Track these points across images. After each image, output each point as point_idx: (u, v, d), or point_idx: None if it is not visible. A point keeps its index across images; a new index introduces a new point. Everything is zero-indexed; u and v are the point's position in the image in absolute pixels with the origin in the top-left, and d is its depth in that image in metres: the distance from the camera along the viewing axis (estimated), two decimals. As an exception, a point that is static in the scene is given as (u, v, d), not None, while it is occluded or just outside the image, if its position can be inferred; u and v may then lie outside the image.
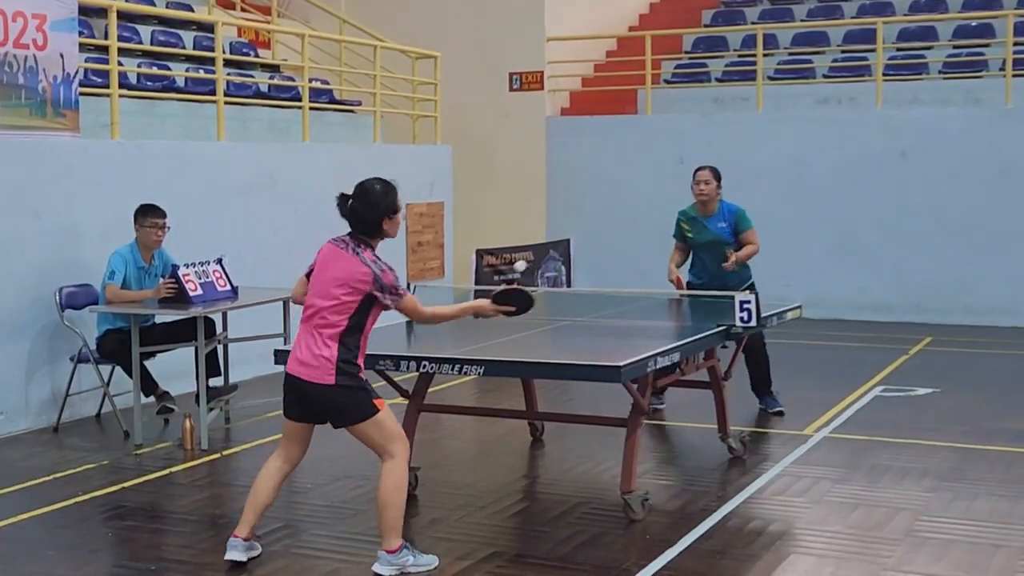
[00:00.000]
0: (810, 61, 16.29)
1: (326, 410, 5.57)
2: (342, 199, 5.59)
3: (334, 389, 5.45)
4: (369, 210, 5.51)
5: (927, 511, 6.57)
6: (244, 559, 5.71)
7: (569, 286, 14.66)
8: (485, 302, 5.88)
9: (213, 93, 11.19)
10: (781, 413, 9.06)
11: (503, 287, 5.94)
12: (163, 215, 8.73)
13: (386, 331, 7.58)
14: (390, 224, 5.56)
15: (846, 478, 7.28)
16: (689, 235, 8.98)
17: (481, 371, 6.16)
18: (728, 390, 7.97)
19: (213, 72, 11.35)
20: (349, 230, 5.64)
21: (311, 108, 12.43)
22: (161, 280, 8.54)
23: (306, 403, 5.59)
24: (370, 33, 15.01)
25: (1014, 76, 14.22)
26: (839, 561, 5.81)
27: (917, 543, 6.03)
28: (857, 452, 7.92)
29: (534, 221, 16.11)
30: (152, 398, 8.84)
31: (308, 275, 5.67)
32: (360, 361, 5.55)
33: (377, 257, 5.54)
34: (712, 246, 8.88)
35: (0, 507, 6.80)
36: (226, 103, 11.19)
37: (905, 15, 17.06)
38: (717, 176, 8.94)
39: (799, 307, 8.30)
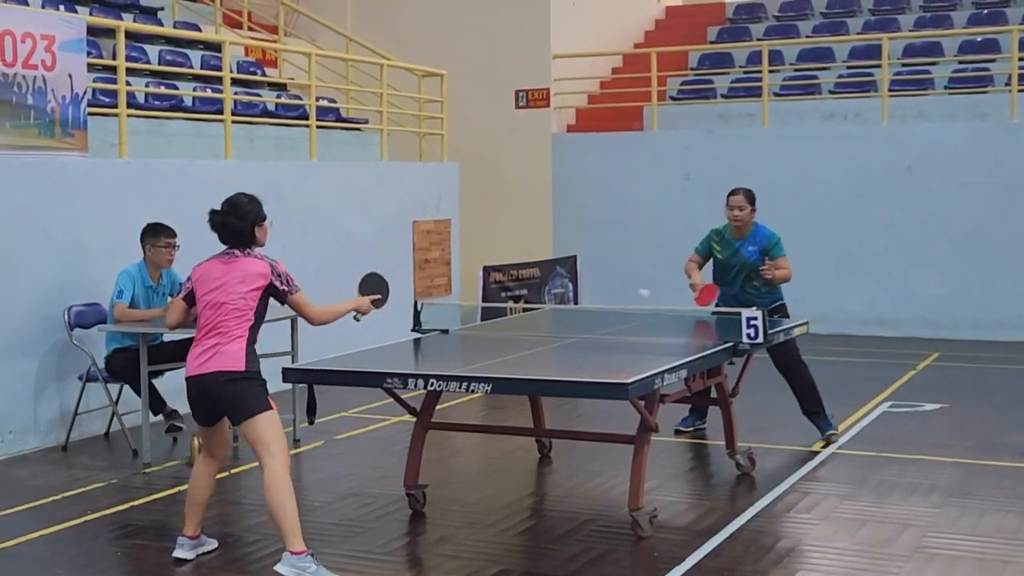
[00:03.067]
0: (816, 77, 16.31)
1: (228, 402, 5.86)
2: (212, 214, 6.00)
3: (243, 373, 5.81)
4: (241, 220, 5.95)
5: (935, 527, 6.57)
6: (191, 556, 6.12)
7: (576, 302, 14.69)
8: (363, 300, 6.42)
9: (220, 112, 11.23)
10: (833, 436, 8.68)
11: (364, 281, 6.54)
12: (174, 234, 8.77)
13: (393, 349, 7.62)
14: (260, 231, 6.01)
15: (854, 494, 7.28)
16: (718, 256, 8.73)
17: (489, 388, 6.16)
18: (735, 407, 7.96)
19: (220, 91, 11.39)
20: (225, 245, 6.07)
21: (318, 126, 12.48)
22: (169, 299, 8.56)
23: (209, 401, 5.93)
24: (376, 51, 15.07)
25: (1020, 91, 14.22)
26: (847, 578, 5.82)
27: (925, 559, 6.02)
28: (865, 468, 7.91)
29: (541, 237, 16.14)
30: (160, 416, 8.86)
31: (185, 299, 6.12)
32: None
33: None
34: (736, 270, 8.66)
35: (9, 526, 6.82)
36: (233, 122, 11.23)
37: (910, 31, 17.10)
38: (751, 200, 8.66)
39: (806, 323, 8.30)
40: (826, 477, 7.73)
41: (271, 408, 5.87)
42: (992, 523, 6.65)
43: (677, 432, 9.04)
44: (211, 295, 5.93)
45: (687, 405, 8.72)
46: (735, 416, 7.91)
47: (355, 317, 6.44)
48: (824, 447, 8.51)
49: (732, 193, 8.76)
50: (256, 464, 8.36)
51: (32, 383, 8.89)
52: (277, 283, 5.94)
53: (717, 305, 8.55)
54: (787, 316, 8.77)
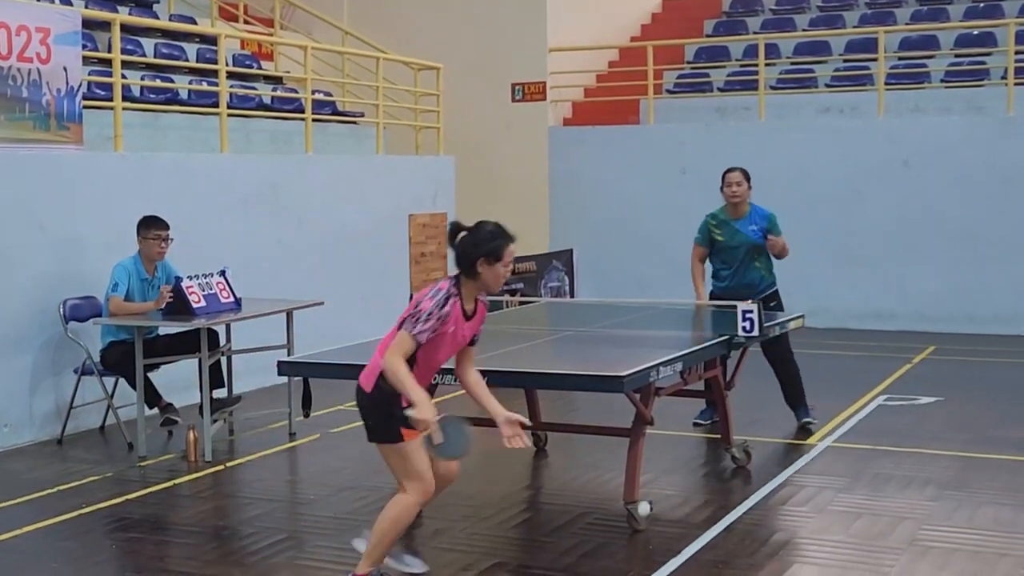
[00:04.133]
0: (812, 70, 16.31)
1: (362, 417, 5.43)
2: (455, 228, 5.32)
3: (368, 395, 5.31)
4: (470, 247, 5.24)
5: (930, 520, 6.57)
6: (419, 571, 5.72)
7: (572, 296, 14.68)
8: (428, 415, 5.06)
9: (216, 105, 11.22)
10: (809, 425, 8.87)
11: (449, 418, 5.19)
12: (166, 227, 8.74)
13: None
14: (487, 269, 5.21)
15: (849, 487, 7.28)
16: (719, 238, 8.80)
17: (484, 382, 6.15)
18: (731, 400, 7.97)
19: (216, 84, 11.38)
20: None
21: (314, 120, 12.46)
22: (162, 288, 8.55)
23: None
24: (372, 45, 15.05)
25: (1016, 84, 14.23)
26: (842, 571, 5.82)
27: (920, 552, 6.03)
28: (860, 461, 7.92)
29: (537, 231, 16.12)
30: (156, 410, 8.85)
31: None
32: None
33: (450, 292, 5.20)
34: (742, 249, 8.75)
35: (5, 519, 6.82)
36: (229, 115, 11.22)
37: (907, 24, 17.09)
38: (747, 177, 8.82)
39: (802, 316, 8.31)
40: (821, 470, 7.73)
41: (400, 440, 5.21)
42: (988, 516, 6.65)
43: (695, 425, 9.08)
44: None
45: (684, 399, 8.71)
46: (731, 410, 7.91)
47: (406, 411, 5.14)
48: (819, 440, 8.52)
49: (729, 171, 8.88)
50: (250, 457, 8.40)
51: (27, 377, 8.88)
52: (410, 310, 5.20)
53: (723, 290, 8.73)
54: (780, 302, 8.87)
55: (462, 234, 5.30)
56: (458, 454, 5.23)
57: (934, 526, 6.46)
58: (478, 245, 5.22)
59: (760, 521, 6.65)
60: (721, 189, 8.85)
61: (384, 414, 5.26)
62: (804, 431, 8.83)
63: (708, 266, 9.02)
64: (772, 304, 8.69)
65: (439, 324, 5.15)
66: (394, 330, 5.24)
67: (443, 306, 5.16)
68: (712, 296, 8.91)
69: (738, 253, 8.78)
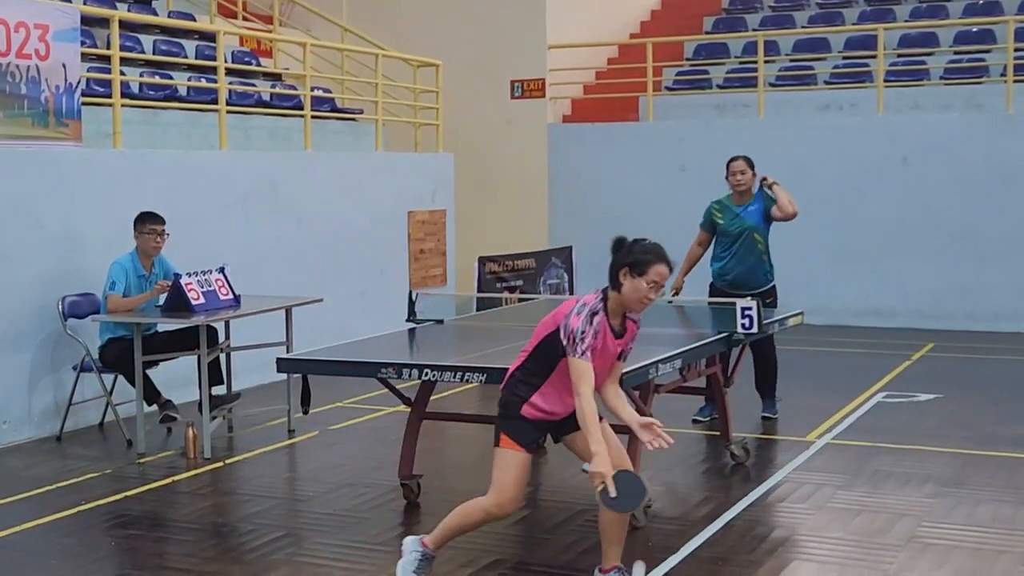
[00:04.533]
0: (811, 67, 16.31)
1: None
2: (618, 243, 5.22)
3: (502, 393, 5.39)
4: (619, 257, 5.12)
5: (929, 517, 6.57)
6: None
7: (571, 293, 14.68)
8: (606, 467, 4.91)
9: (215, 102, 11.21)
10: (769, 418, 9.15)
11: (624, 472, 5.01)
12: (162, 222, 8.72)
13: (388, 339, 7.62)
14: (628, 281, 5.05)
15: (848, 484, 7.28)
16: (720, 222, 9.00)
17: (483, 379, 6.17)
18: (730, 397, 7.97)
19: (215, 81, 11.37)
20: None
21: (313, 117, 12.45)
22: (159, 281, 8.54)
23: None
24: (372, 41, 15.04)
25: (1015, 82, 14.22)
26: (841, 567, 5.82)
27: (919, 549, 6.03)
28: (859, 458, 7.92)
29: (536, 228, 16.12)
30: (155, 407, 8.85)
31: None
32: (530, 396, 5.27)
33: (596, 308, 5.10)
34: (744, 234, 8.92)
35: (4, 516, 6.81)
36: (228, 112, 11.21)
37: (906, 21, 17.08)
38: (751, 165, 8.99)
39: (801, 314, 8.31)
40: (820, 467, 7.73)
41: (502, 446, 5.30)
42: (986, 513, 6.66)
43: (694, 422, 9.09)
44: None
45: (684, 396, 8.73)
46: (730, 406, 7.91)
47: (583, 467, 5.28)
48: (819, 437, 8.52)
49: (733, 159, 9.04)
50: (249, 454, 8.40)
51: (27, 374, 8.88)
52: (560, 334, 5.08)
53: (724, 282, 8.90)
54: (776, 298, 9.01)
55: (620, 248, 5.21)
56: (633, 507, 5.16)
57: (933, 523, 6.46)
58: (626, 255, 5.11)
59: (759, 518, 6.65)
60: (726, 178, 9.02)
61: (500, 415, 5.37)
62: (766, 420, 9.09)
63: (706, 260, 9.10)
64: (768, 301, 8.72)
65: (594, 339, 5.05)
66: (533, 340, 5.25)
67: (590, 321, 5.06)
68: (712, 288, 8.98)
69: (737, 238, 8.94)
